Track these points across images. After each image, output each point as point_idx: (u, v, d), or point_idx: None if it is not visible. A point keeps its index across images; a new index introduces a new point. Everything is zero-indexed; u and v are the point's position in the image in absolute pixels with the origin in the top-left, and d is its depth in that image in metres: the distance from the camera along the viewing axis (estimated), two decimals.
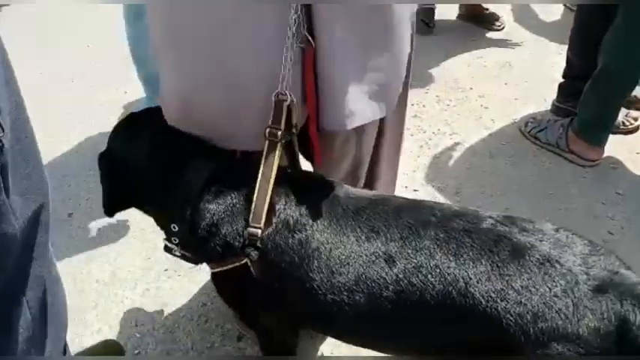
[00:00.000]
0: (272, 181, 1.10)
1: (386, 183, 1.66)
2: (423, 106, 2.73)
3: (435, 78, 2.92)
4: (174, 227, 1.18)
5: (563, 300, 0.91)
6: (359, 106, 1.26)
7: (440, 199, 2.17)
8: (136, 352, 1.72)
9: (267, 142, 1.12)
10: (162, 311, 1.83)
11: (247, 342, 1.71)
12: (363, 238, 1.06)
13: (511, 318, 0.93)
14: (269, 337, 1.43)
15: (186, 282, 1.91)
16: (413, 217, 1.06)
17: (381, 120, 1.43)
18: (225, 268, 1.15)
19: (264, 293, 1.17)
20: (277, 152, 1.12)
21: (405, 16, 1.26)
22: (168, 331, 1.77)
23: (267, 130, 1.12)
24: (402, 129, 1.61)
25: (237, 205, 1.13)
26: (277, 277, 1.11)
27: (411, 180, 2.30)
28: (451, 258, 0.99)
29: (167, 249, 1.24)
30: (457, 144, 2.49)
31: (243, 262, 1.11)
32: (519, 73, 2.92)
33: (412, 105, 2.62)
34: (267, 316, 1.29)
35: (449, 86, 2.86)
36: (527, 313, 0.92)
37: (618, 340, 0.89)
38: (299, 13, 1.05)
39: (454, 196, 2.20)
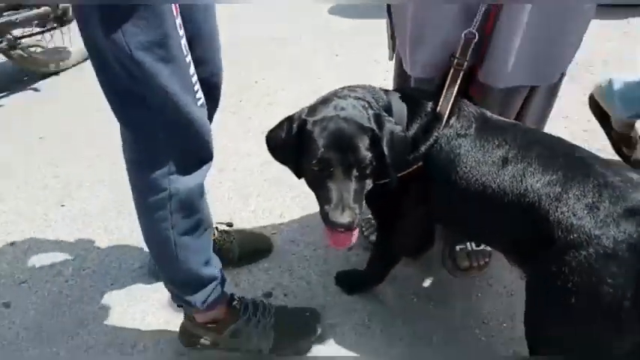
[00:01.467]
0: (452, 98, 1.45)
1: None
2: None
3: None
4: None
5: (603, 211, 1.19)
6: (516, 70, 1.52)
7: None
8: None
9: (452, 69, 1.46)
10: None
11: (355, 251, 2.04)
12: (495, 144, 1.40)
13: (559, 215, 1.23)
14: (396, 240, 1.70)
15: None
16: (530, 139, 1.40)
17: (532, 91, 1.67)
18: (408, 170, 1.46)
19: (423, 192, 1.50)
20: (459, 77, 1.45)
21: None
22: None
23: (455, 60, 1.46)
24: (549, 107, 1.78)
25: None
26: (439, 172, 1.44)
27: None
28: (540, 168, 1.31)
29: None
30: None
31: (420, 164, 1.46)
32: None
33: (589, 121, 2.59)
34: (415, 215, 1.60)
35: None
36: (570, 216, 1.21)
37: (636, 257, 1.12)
38: None
39: None
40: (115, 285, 1.96)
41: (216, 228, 2.00)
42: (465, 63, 1.46)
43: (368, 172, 1.34)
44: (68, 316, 1.87)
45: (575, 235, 1.19)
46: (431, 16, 1.53)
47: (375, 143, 1.34)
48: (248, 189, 2.45)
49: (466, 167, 1.40)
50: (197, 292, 1.54)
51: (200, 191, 1.42)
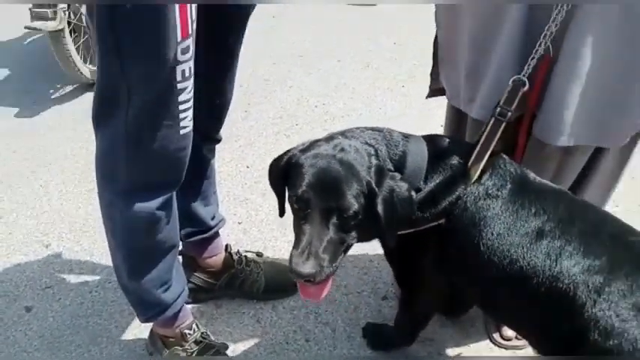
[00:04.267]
0: (489, 152, 1.25)
1: None
2: None
3: None
4: None
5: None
6: (576, 127, 1.33)
7: None
8: None
9: (493, 119, 1.27)
10: None
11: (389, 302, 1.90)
12: (532, 212, 1.22)
13: (596, 312, 1.06)
14: (419, 299, 1.56)
15: None
16: (574, 211, 1.23)
17: (598, 153, 1.46)
18: (425, 227, 1.29)
19: (441, 254, 1.34)
20: (500, 130, 1.26)
21: None
22: None
23: (498, 109, 1.26)
24: (620, 172, 1.55)
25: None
26: (461, 234, 1.27)
27: None
28: (582, 248, 1.13)
29: None
30: None
31: (441, 220, 1.28)
32: None
33: None
34: (428, 279, 1.44)
35: None
36: (611, 316, 1.04)
37: None
38: (557, 23, 1.21)
39: None
40: None
41: (245, 256, 1.91)
42: (509, 114, 1.27)
43: (352, 223, 1.19)
44: (84, 331, 1.82)
45: (614, 342, 1.03)
46: (492, 50, 1.37)
47: (369, 197, 1.18)
48: (289, 218, 2.34)
49: (492, 233, 1.22)
50: (144, 310, 1.56)
51: (162, 215, 1.37)
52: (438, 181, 1.30)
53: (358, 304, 1.91)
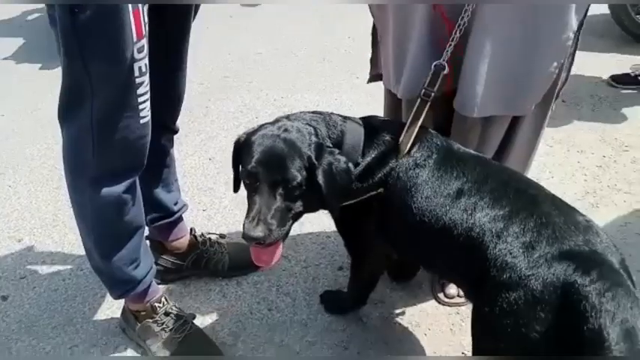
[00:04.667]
0: (417, 128, 1.43)
1: None
2: (614, 161, 2.72)
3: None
4: None
5: (538, 251, 1.18)
6: (487, 100, 1.52)
7: None
8: None
9: (419, 99, 1.44)
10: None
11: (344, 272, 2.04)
12: (454, 176, 1.39)
13: (497, 252, 1.23)
14: (366, 263, 1.73)
15: None
16: (489, 173, 1.39)
17: (515, 123, 1.66)
18: (365, 197, 1.47)
19: (382, 220, 1.50)
20: (426, 108, 1.44)
21: (556, 27, 1.47)
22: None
23: (423, 90, 1.45)
24: (536, 139, 1.74)
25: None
26: (396, 201, 1.43)
27: None
28: (491, 202, 1.30)
29: None
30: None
31: (379, 190, 1.45)
32: None
33: (603, 157, 2.72)
34: (373, 244, 1.61)
35: None
36: (505, 255, 1.21)
37: (561, 302, 1.10)
38: (468, 14, 1.41)
39: None
40: None
41: (209, 238, 2.05)
42: (432, 94, 1.45)
43: (296, 194, 1.36)
44: (59, 314, 1.94)
45: (507, 275, 1.19)
46: (409, 40, 1.55)
47: (310, 170, 1.35)
48: None
49: (422, 197, 1.39)
50: (116, 287, 1.69)
51: (128, 198, 1.51)
52: (373, 155, 1.47)
53: (316, 275, 2.07)
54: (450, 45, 1.45)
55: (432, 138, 1.48)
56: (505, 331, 1.18)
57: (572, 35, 1.50)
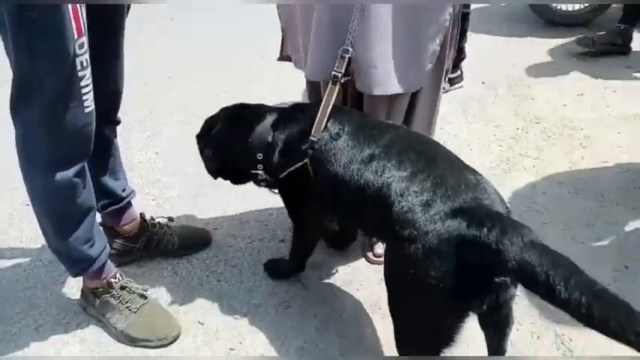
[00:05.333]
0: (330, 107, 1.66)
1: None
2: (526, 132, 3.03)
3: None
4: (259, 156, 1.80)
5: (434, 208, 1.33)
6: (384, 79, 1.77)
7: None
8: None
9: (330, 81, 1.68)
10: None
11: (286, 244, 2.27)
12: (366, 144, 1.57)
13: (400, 209, 1.38)
14: (305, 227, 1.97)
15: None
16: (396, 137, 1.58)
17: (415, 97, 1.91)
18: (292, 168, 1.71)
19: (312, 187, 1.71)
20: (336, 89, 1.68)
21: (434, 11, 1.74)
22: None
23: (332, 73, 1.68)
24: (435, 106, 2.01)
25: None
26: (320, 170, 1.65)
27: None
28: (397, 164, 1.47)
29: (255, 181, 1.87)
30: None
31: (304, 161, 1.67)
32: None
33: (517, 129, 3.07)
34: (310, 209, 1.85)
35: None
36: (406, 212, 1.37)
37: (455, 252, 1.26)
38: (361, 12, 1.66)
39: None
40: (66, 274, 2.16)
41: (159, 222, 2.24)
42: (340, 75, 1.68)
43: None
44: (22, 301, 2.08)
45: (408, 231, 1.34)
46: (308, 28, 1.80)
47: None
48: (196, 190, 2.68)
49: (340, 165, 1.59)
50: (74, 266, 1.86)
51: (79, 181, 1.69)
52: (291, 133, 1.74)
53: (260, 248, 2.28)
54: (351, 33, 1.68)
55: (345, 113, 1.72)
56: (407, 280, 1.36)
57: (448, 17, 1.77)
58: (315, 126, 1.66)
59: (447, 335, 1.39)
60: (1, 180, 2.78)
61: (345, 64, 1.69)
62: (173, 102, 3.50)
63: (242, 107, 1.96)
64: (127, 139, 2.84)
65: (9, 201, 2.64)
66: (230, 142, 1.91)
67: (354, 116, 1.72)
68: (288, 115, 1.81)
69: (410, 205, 1.37)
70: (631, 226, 2.34)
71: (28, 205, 2.55)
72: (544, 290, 1.11)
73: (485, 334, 1.59)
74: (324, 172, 1.65)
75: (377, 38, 1.71)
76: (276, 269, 2.13)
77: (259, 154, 1.80)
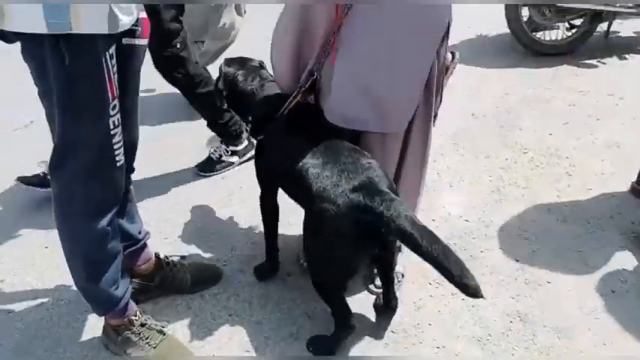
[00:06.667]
0: (293, 103, 2.06)
1: (409, 191, 2.21)
2: (515, 162, 3.23)
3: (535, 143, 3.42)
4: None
5: (340, 187, 1.79)
6: (355, 113, 1.96)
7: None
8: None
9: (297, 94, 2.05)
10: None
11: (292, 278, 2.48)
12: (301, 137, 2.01)
13: (316, 188, 1.83)
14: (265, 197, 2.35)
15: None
16: (324, 142, 1.95)
17: (407, 135, 2.08)
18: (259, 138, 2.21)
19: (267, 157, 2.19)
20: (298, 97, 2.04)
21: (424, 43, 1.88)
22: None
23: (300, 87, 2.04)
24: (425, 150, 2.16)
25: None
26: (266, 147, 2.18)
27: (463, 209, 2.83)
28: (316, 156, 1.89)
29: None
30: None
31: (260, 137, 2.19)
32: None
33: (506, 160, 3.26)
34: (265, 178, 2.28)
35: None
36: (321, 190, 1.81)
37: (356, 218, 1.74)
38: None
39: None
40: (87, 312, 2.31)
41: (172, 260, 2.39)
42: (303, 92, 2.04)
43: None
44: (48, 338, 2.23)
45: (324, 203, 1.79)
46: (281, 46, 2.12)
47: None
48: (204, 234, 2.84)
49: (278, 147, 2.11)
50: (100, 306, 2.02)
51: (110, 229, 1.86)
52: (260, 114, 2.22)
53: (267, 282, 2.43)
54: (320, 53, 1.95)
55: (300, 111, 2.09)
56: (324, 234, 1.84)
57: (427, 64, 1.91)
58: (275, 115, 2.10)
59: (351, 270, 1.94)
60: (21, 224, 2.94)
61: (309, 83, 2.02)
62: (183, 140, 3.68)
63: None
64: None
65: (28, 244, 2.80)
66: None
67: (305, 115, 2.11)
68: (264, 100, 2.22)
69: (323, 185, 1.82)
70: (617, 251, 2.51)
71: (47, 247, 2.74)
72: (412, 244, 1.65)
73: (378, 272, 2.19)
74: (268, 149, 2.17)
75: (349, 68, 1.90)
76: (260, 271, 2.49)
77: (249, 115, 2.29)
